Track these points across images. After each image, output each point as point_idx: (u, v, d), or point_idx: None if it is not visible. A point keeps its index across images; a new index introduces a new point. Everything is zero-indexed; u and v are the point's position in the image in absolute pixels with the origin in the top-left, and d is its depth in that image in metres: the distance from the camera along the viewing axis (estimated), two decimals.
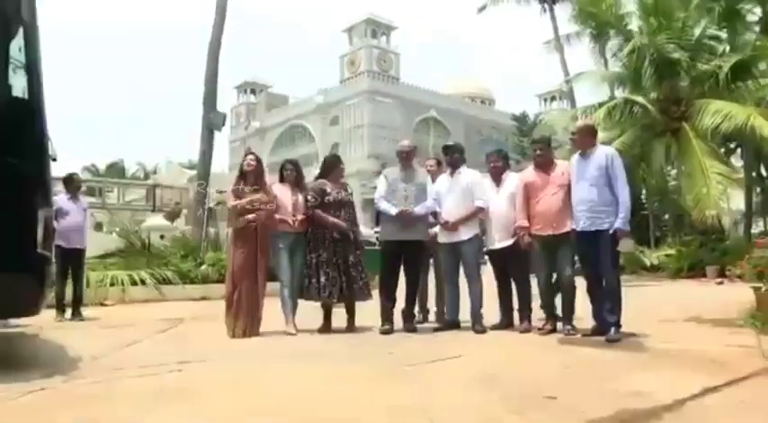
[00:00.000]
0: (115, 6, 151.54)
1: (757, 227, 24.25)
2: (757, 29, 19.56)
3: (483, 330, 5.78)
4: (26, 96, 4.07)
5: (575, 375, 3.90)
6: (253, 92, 65.71)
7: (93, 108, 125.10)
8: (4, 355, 5.15)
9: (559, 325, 5.61)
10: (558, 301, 5.65)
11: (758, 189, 22.09)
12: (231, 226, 6.02)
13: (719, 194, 14.01)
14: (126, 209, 25.55)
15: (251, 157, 6.18)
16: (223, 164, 57.23)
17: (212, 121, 14.03)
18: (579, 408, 2.98)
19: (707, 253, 16.29)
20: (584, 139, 5.47)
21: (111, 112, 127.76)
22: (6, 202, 3.84)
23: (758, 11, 19.71)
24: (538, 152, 5.76)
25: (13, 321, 6.34)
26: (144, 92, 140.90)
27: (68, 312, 7.63)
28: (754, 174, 21.26)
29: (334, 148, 51.52)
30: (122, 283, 10.08)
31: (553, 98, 62.07)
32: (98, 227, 18.62)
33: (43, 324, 6.59)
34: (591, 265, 5.40)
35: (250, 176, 5.99)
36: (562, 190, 5.52)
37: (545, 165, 5.69)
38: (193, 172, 22.72)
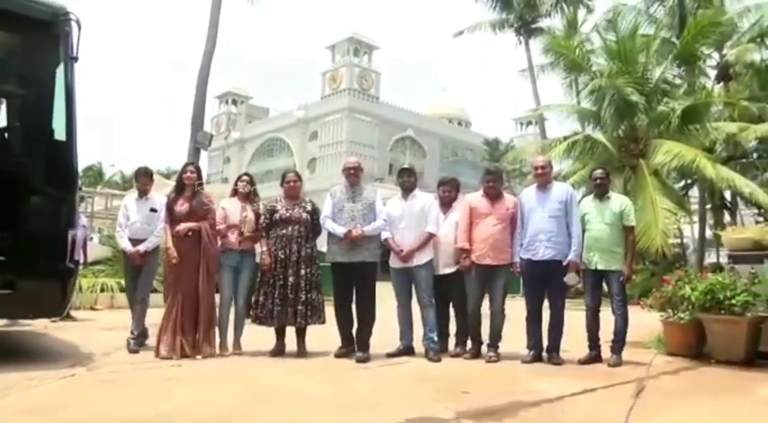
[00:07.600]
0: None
1: (710, 256, 25.59)
2: (712, 73, 21.03)
3: (438, 359, 5.65)
4: (65, 138, 5.02)
5: (489, 379, 4.89)
6: (234, 102, 66.29)
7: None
8: (27, 348, 6.18)
9: (484, 349, 5.85)
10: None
11: (711, 221, 23.39)
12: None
13: (665, 228, 15.17)
14: (110, 217, 25.95)
15: (190, 168, 6.05)
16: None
17: (199, 141, 15.03)
18: (485, 399, 4.01)
19: (656, 282, 17.52)
20: (550, 172, 5.99)
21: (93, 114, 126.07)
22: (49, 226, 4.84)
23: (716, 55, 21.13)
24: (489, 184, 5.94)
25: (22, 321, 7.27)
26: (124, 94, 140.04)
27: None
28: (707, 206, 22.58)
29: (310, 163, 52.49)
30: (111, 290, 11.02)
31: (529, 123, 63.18)
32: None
33: (40, 325, 7.50)
34: (538, 295, 5.80)
35: (188, 188, 5.80)
36: (502, 223, 5.79)
37: (493, 196, 5.92)
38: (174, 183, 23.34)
